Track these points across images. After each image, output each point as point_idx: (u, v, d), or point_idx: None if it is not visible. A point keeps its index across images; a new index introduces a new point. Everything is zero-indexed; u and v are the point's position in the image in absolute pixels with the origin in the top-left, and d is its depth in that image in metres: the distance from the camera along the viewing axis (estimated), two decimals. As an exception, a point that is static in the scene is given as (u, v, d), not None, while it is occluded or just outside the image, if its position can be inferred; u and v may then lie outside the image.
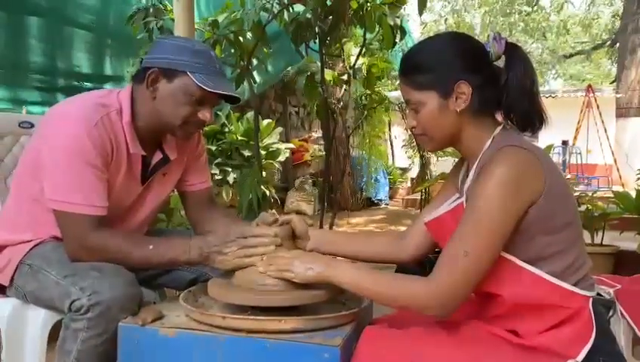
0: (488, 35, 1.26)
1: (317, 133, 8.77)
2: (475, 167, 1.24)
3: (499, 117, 1.28)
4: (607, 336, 1.16)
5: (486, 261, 1.12)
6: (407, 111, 1.31)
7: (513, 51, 1.23)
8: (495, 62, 1.25)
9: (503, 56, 1.24)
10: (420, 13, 3.47)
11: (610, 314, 1.21)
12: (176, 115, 1.48)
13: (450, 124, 1.24)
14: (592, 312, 1.15)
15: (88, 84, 4.16)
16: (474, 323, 1.23)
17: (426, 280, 1.15)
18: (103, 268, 1.39)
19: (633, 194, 3.82)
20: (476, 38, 1.31)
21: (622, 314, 1.81)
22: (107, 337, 1.33)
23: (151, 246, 1.44)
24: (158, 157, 1.62)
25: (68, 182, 1.41)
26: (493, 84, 1.23)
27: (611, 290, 1.25)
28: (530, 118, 1.23)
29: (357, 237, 1.60)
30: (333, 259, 1.34)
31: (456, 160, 1.44)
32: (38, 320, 1.51)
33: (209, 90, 1.44)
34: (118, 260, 1.43)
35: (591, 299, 1.17)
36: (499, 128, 1.25)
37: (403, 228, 1.55)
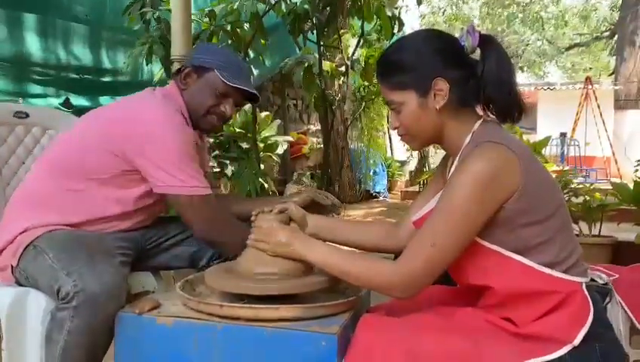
0: (462, 29, 1.26)
1: (315, 126, 8.76)
2: (456, 162, 1.25)
3: (479, 110, 1.28)
4: (602, 323, 1.16)
5: (452, 252, 1.15)
6: (390, 112, 1.31)
7: (488, 43, 1.23)
8: (471, 56, 1.25)
9: (478, 48, 1.23)
10: (419, 3, 3.46)
11: (607, 301, 1.21)
12: (201, 105, 1.68)
13: (431, 121, 1.25)
14: (588, 297, 1.15)
15: (88, 77, 4.16)
16: (471, 311, 1.24)
17: (393, 263, 1.19)
18: (96, 257, 1.41)
19: (631, 185, 3.83)
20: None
21: (620, 303, 1.82)
22: (94, 327, 1.33)
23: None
24: None
25: (184, 172, 1.57)
26: (470, 78, 1.23)
27: (605, 276, 1.24)
28: (509, 108, 1.24)
29: (355, 226, 1.61)
30: (310, 238, 1.37)
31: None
32: (39, 309, 1.50)
33: (230, 84, 1.64)
34: (233, 228, 1.62)
35: (584, 284, 1.17)
36: (479, 122, 1.25)
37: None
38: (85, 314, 1.33)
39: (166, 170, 1.55)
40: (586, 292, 1.16)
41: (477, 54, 1.24)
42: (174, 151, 1.56)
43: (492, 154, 1.13)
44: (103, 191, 1.61)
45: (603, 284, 1.22)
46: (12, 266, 1.55)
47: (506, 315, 1.18)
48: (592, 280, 1.22)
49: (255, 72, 5.38)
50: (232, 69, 1.67)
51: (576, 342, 1.11)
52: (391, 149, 10.60)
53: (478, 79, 1.22)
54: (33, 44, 3.78)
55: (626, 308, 1.74)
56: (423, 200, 1.40)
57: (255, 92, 1.73)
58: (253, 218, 1.42)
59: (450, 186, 1.15)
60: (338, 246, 1.43)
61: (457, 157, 1.24)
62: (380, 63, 1.29)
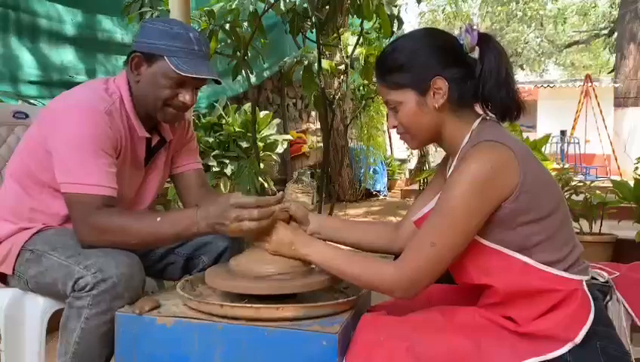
0: (460, 28, 1.26)
1: (315, 125, 8.75)
2: (454, 161, 1.24)
3: (478, 108, 1.28)
4: (603, 321, 1.17)
5: (452, 251, 1.16)
6: (388, 111, 1.31)
7: (486, 42, 1.23)
8: (469, 54, 1.25)
9: (477, 47, 1.23)
10: (418, 1, 3.45)
11: (608, 298, 1.21)
12: (157, 97, 1.52)
13: (430, 120, 1.25)
14: (589, 295, 1.15)
15: (83, 78, 4.17)
16: (471, 309, 1.24)
17: (393, 264, 1.20)
18: (108, 250, 1.40)
19: (631, 183, 3.82)
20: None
21: (621, 301, 1.81)
22: (111, 316, 1.33)
23: (158, 219, 1.42)
24: (155, 139, 1.66)
25: (79, 165, 1.42)
26: (469, 77, 1.23)
27: (605, 274, 1.24)
28: (508, 106, 1.24)
29: (356, 226, 1.61)
30: (312, 238, 1.38)
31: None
32: (38, 309, 1.50)
33: (183, 74, 1.47)
34: (127, 237, 1.41)
35: (584, 282, 1.17)
36: (477, 121, 1.25)
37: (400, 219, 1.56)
38: (104, 301, 1.32)
39: (61, 163, 1.43)
40: (587, 291, 1.16)
41: (475, 53, 1.24)
42: (73, 141, 1.42)
43: (490, 154, 1.14)
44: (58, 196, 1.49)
45: (603, 282, 1.22)
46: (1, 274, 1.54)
47: (507, 314, 1.18)
48: (593, 278, 1.21)
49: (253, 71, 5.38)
50: (186, 51, 1.48)
51: (578, 340, 1.11)
52: (391, 148, 10.60)
53: (476, 78, 1.22)
54: (27, 47, 3.80)
55: (626, 306, 1.74)
56: (423, 199, 1.40)
57: (215, 77, 1.55)
58: None
59: (449, 186, 1.16)
60: (339, 246, 1.43)
61: (456, 157, 1.24)
62: (378, 63, 1.29)
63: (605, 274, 1.24)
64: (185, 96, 1.52)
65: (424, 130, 1.27)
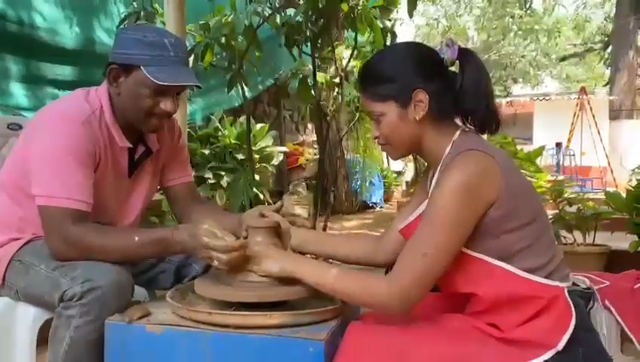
0: (441, 42, 1.29)
1: (311, 137, 8.79)
2: (437, 172, 1.27)
3: (458, 121, 1.31)
4: (585, 328, 1.18)
5: (443, 261, 1.16)
6: (370, 121, 1.33)
7: (466, 56, 1.26)
8: (450, 68, 1.27)
9: (457, 61, 1.26)
10: (410, 15, 3.49)
11: (590, 305, 1.22)
12: (138, 109, 1.50)
13: (410, 132, 1.27)
14: (570, 302, 1.17)
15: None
16: (458, 317, 1.25)
17: (387, 279, 1.19)
18: (93, 260, 1.40)
19: (624, 194, 3.84)
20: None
21: (610, 310, 1.83)
22: (100, 325, 1.33)
23: (136, 238, 1.42)
24: (141, 149, 1.65)
25: (52, 177, 1.42)
26: (449, 90, 1.25)
27: (587, 281, 1.26)
28: (487, 120, 1.27)
29: (338, 239, 1.63)
30: (300, 256, 1.38)
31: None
32: (28, 319, 1.51)
33: (161, 82, 1.44)
34: (102, 254, 1.41)
35: (566, 289, 1.19)
36: (458, 132, 1.27)
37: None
38: (93, 310, 1.32)
39: (34, 175, 1.44)
40: (568, 297, 1.17)
41: (456, 67, 1.27)
42: (46, 153, 1.43)
43: (471, 162, 1.16)
44: None
45: (585, 289, 1.23)
46: None
47: (492, 321, 1.19)
48: (575, 284, 1.23)
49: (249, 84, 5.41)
50: (162, 59, 1.46)
51: (560, 346, 1.12)
52: (387, 160, 10.63)
53: (456, 91, 1.25)
54: (19, 59, 3.83)
55: (615, 315, 1.76)
56: (407, 210, 1.41)
57: (195, 82, 1.53)
58: (244, 233, 1.43)
59: (436, 196, 1.17)
60: (327, 263, 1.43)
61: (438, 167, 1.26)
62: (362, 74, 1.32)
63: (587, 281, 1.26)
64: (166, 104, 1.51)
65: (405, 141, 1.29)
